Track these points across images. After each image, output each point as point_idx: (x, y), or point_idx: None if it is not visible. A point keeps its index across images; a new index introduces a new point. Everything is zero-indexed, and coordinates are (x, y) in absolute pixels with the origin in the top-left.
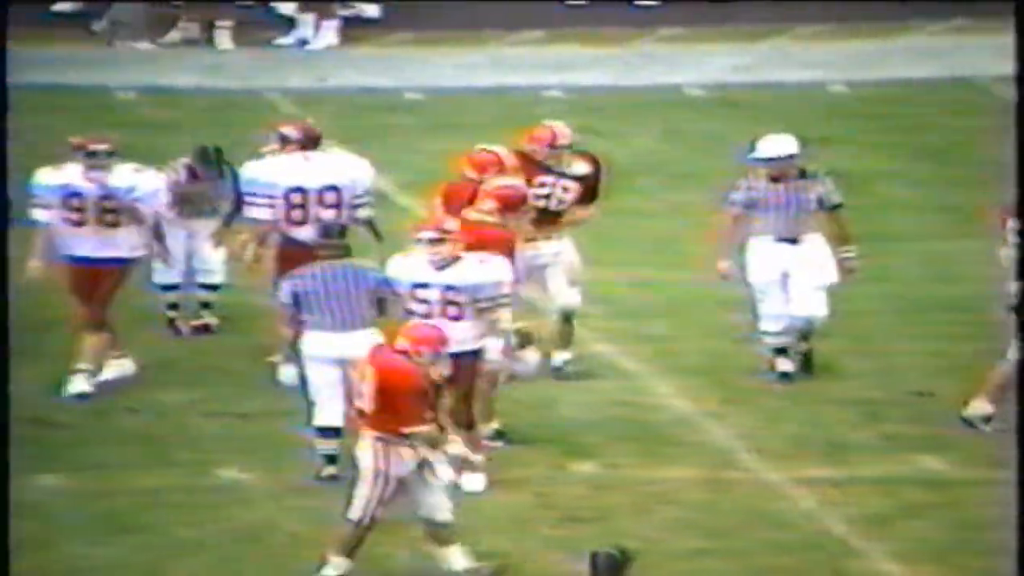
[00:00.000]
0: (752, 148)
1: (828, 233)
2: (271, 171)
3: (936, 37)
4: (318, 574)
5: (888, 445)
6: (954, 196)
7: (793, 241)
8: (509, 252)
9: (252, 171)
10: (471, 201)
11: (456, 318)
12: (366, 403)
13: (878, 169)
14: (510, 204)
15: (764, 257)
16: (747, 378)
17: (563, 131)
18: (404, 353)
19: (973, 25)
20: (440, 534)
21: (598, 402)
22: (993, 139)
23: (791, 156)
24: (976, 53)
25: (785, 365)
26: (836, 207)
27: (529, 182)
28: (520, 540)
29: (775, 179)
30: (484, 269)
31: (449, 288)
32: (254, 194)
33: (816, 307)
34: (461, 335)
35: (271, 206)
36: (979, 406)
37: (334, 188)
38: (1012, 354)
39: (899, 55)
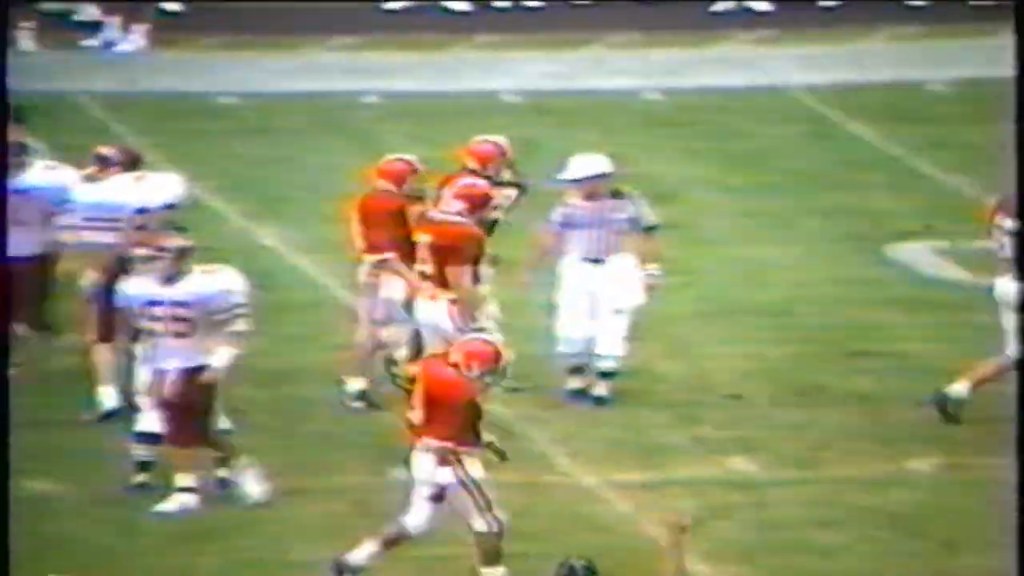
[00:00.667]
0: (564, 168)
1: (638, 253)
2: (112, 192)
3: (747, 46)
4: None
5: (699, 448)
6: (766, 202)
7: (600, 261)
8: (480, 250)
9: (91, 193)
10: (392, 211)
11: (183, 335)
12: (417, 415)
13: (692, 176)
14: (478, 203)
15: (571, 277)
16: (563, 383)
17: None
18: (455, 366)
19: (782, 35)
20: (491, 548)
21: None
22: (804, 147)
23: (600, 176)
24: (785, 62)
25: (575, 383)
26: (650, 228)
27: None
28: (337, 548)
29: (587, 198)
30: (212, 281)
31: (177, 304)
32: (98, 218)
33: (612, 346)
34: (188, 352)
35: (116, 229)
36: (960, 389)
37: (173, 207)
38: (1011, 351)
39: (712, 64)
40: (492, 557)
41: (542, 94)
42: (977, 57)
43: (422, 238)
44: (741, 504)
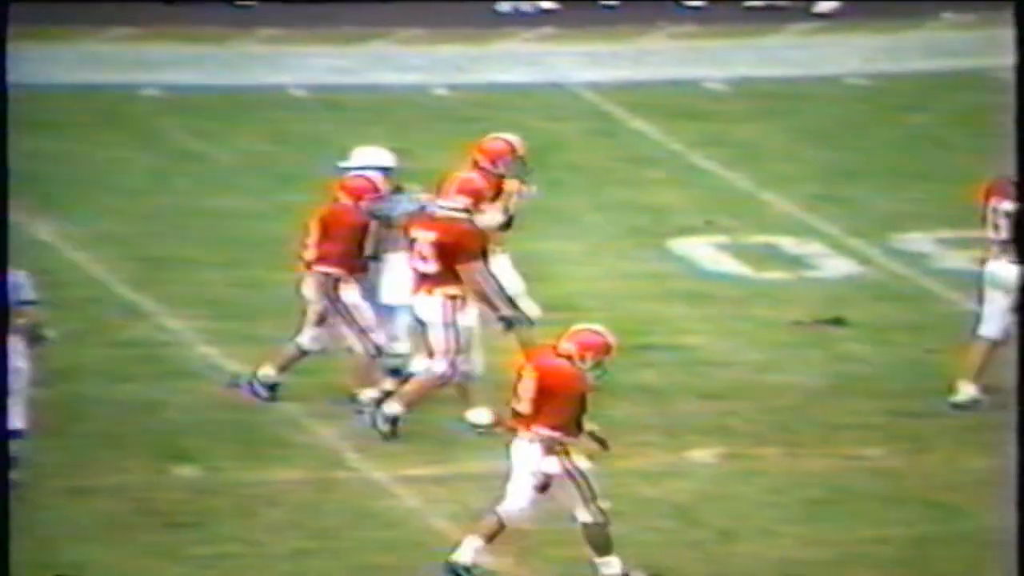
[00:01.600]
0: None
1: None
2: None
3: (531, 44)
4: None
5: (492, 440)
6: (550, 198)
7: (377, 259)
8: (484, 247)
9: None
10: (353, 226)
11: None
12: (524, 404)
13: None
14: (481, 196)
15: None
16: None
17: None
18: (568, 357)
19: (565, 33)
20: (600, 537)
21: (201, 404)
22: (587, 143)
23: (379, 168)
24: (568, 60)
25: (389, 384)
26: None
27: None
28: (117, 548)
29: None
30: None
31: None
32: None
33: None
34: None
35: None
36: (967, 390)
37: None
38: (985, 330)
39: (497, 60)
40: (604, 547)
41: (329, 88)
42: (751, 57)
43: (423, 235)
44: None
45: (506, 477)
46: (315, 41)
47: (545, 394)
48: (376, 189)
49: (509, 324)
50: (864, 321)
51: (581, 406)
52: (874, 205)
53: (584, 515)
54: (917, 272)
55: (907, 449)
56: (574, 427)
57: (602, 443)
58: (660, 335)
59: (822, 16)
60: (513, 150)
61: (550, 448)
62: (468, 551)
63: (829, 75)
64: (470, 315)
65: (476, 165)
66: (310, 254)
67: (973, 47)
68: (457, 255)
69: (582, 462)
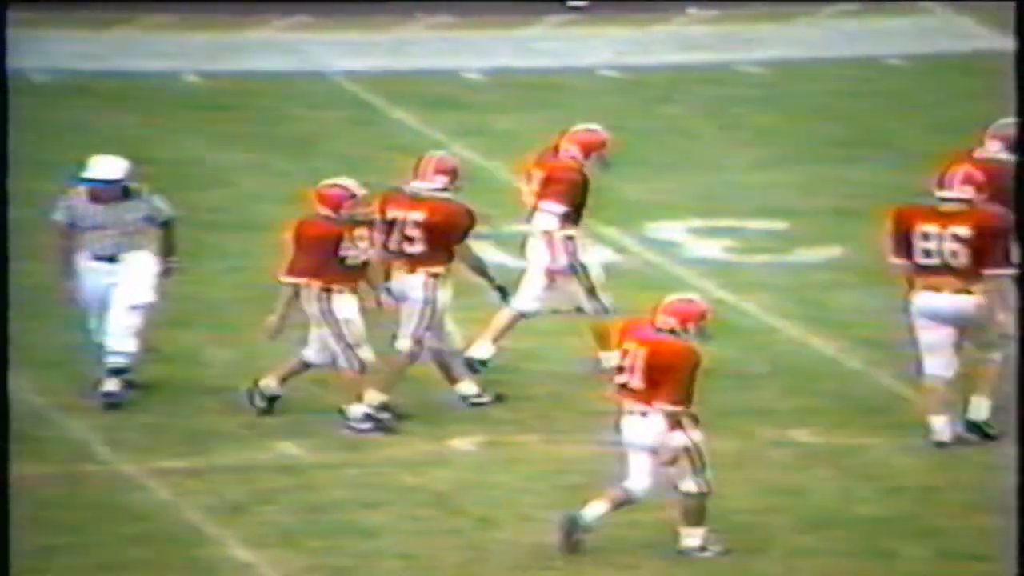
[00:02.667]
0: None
1: (157, 247)
2: None
3: (285, 32)
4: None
5: (247, 433)
6: (310, 187)
7: (112, 259)
8: (473, 224)
9: None
10: (328, 237)
11: None
12: (638, 380)
13: (237, 160)
14: (458, 175)
15: (85, 276)
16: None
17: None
18: (671, 331)
19: (321, 22)
20: (695, 508)
21: None
22: (348, 132)
23: (109, 182)
24: (326, 48)
25: (111, 385)
26: (166, 223)
27: None
28: None
29: (94, 198)
30: None
31: None
32: None
33: (121, 342)
34: None
35: None
36: (981, 408)
37: None
38: (931, 368)
39: (251, 48)
40: (698, 518)
41: (76, 74)
42: (509, 47)
43: (409, 215)
44: (287, 488)
45: (265, 469)
46: (63, 25)
47: (659, 369)
48: (353, 196)
49: (505, 294)
50: (620, 308)
51: (694, 377)
52: (629, 194)
53: (690, 485)
54: (670, 260)
55: None
56: (689, 399)
57: (695, 419)
58: None
59: (577, 8)
60: (603, 143)
61: (674, 422)
62: (594, 512)
63: (585, 66)
64: (446, 293)
65: (555, 151)
66: (285, 268)
67: (719, 42)
68: (449, 234)
69: (695, 433)
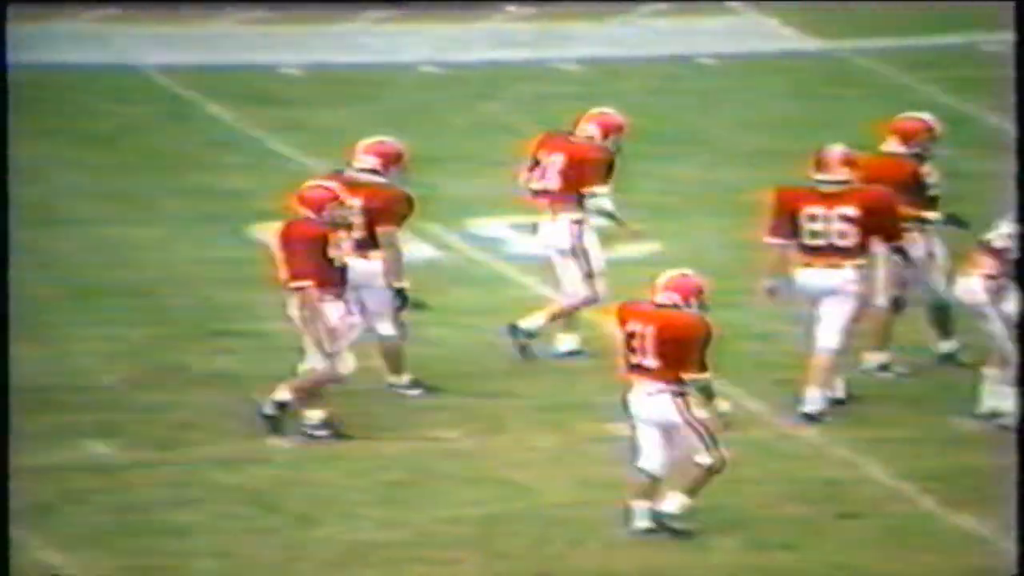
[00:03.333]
0: None
1: None
2: None
3: (93, 24)
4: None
5: (57, 433)
6: (126, 182)
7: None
8: (410, 210)
9: None
10: (314, 238)
11: None
12: (651, 358)
13: (46, 155)
14: (392, 159)
15: None
16: None
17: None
18: (673, 306)
19: (127, 15)
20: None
21: None
22: (162, 127)
23: None
24: (138, 42)
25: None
26: None
27: None
28: None
29: None
30: None
31: None
32: None
33: None
34: None
35: None
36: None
37: None
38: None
39: (56, 40)
40: (694, 487)
41: None
42: (327, 43)
43: (351, 201)
44: (98, 489)
45: (75, 469)
46: None
47: (673, 343)
48: (336, 198)
49: (405, 301)
50: (443, 305)
51: (707, 349)
52: (451, 191)
53: (705, 459)
54: (492, 257)
55: (481, 430)
56: (702, 370)
57: (708, 392)
58: (239, 321)
59: (395, 2)
60: (623, 127)
61: (678, 398)
62: (644, 517)
63: (405, 62)
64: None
65: (568, 135)
66: (283, 274)
67: (537, 39)
68: (382, 219)
69: (699, 411)
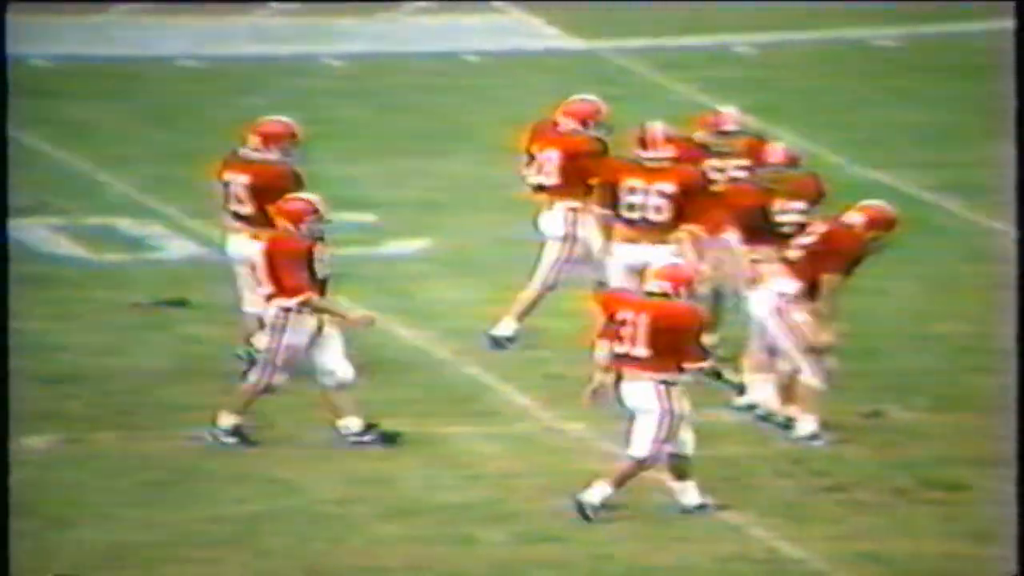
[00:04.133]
0: None
1: None
2: None
3: None
4: (582, 493)
5: None
6: None
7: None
8: (299, 188)
9: None
10: (301, 252)
11: None
12: (641, 348)
13: None
14: (271, 138)
15: None
16: None
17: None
18: (664, 295)
19: None
20: (683, 468)
21: None
22: None
23: None
24: None
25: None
26: None
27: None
28: None
29: None
30: None
31: None
32: None
33: None
34: None
35: None
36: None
37: None
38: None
39: None
40: (686, 473)
41: None
42: (78, 35)
43: (238, 178)
44: None
45: None
46: None
47: (665, 334)
48: (315, 210)
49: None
50: (206, 302)
51: (700, 337)
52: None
53: (642, 452)
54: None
55: (258, 425)
56: (699, 359)
57: (717, 374)
58: None
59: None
60: (598, 111)
61: (661, 386)
62: (597, 494)
63: (161, 56)
64: None
65: (555, 126)
66: (266, 289)
67: (301, 34)
68: (269, 198)
69: (682, 403)
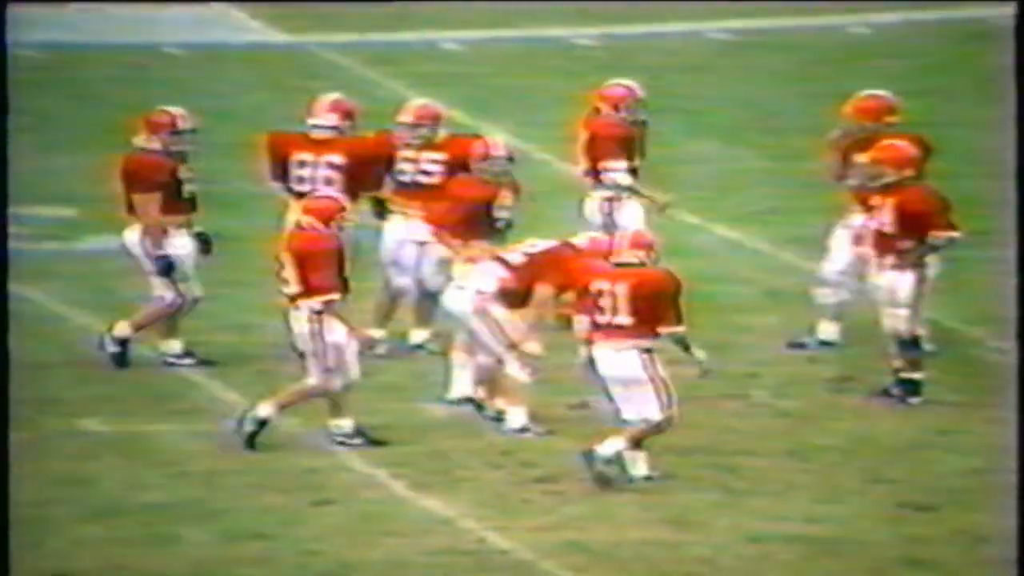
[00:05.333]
0: None
1: None
2: None
3: None
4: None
5: None
6: None
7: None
8: (173, 179)
9: None
10: (331, 251)
11: None
12: (623, 316)
13: None
14: (155, 129)
15: None
16: None
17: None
18: (641, 264)
19: None
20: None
21: None
22: None
23: None
24: None
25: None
26: None
27: None
28: None
29: None
30: None
31: None
32: None
33: None
34: None
35: None
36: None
37: None
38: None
39: None
40: (640, 442)
41: None
42: None
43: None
44: None
45: None
46: None
47: (646, 300)
48: (344, 208)
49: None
50: None
51: (678, 302)
52: None
53: (657, 415)
54: None
55: None
56: (676, 323)
57: (686, 346)
58: None
59: None
60: (635, 95)
61: (645, 354)
62: (611, 448)
63: None
64: None
65: (598, 112)
66: (292, 288)
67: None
68: (136, 187)
69: (661, 369)
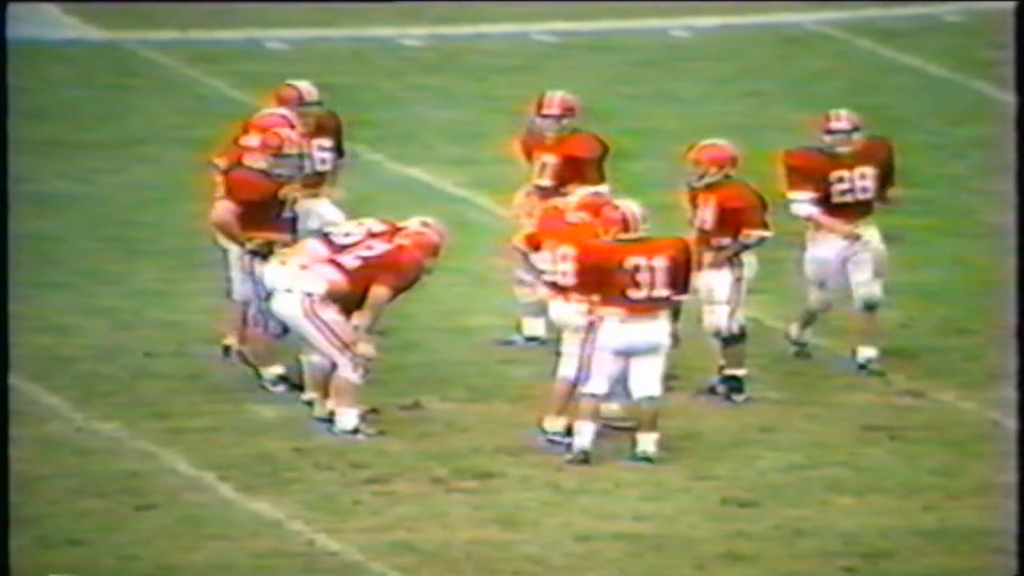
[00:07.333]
0: None
1: None
2: None
3: None
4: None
5: None
6: None
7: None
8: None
9: None
10: None
11: None
12: (662, 288)
13: None
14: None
15: None
16: None
17: None
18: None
19: None
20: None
21: None
22: None
23: None
24: None
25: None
26: None
27: None
28: None
29: None
30: None
31: None
32: None
33: None
34: None
35: None
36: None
37: None
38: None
39: None
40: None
41: None
42: None
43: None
44: None
45: None
46: None
47: (682, 270)
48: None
49: None
50: None
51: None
52: None
53: (658, 390)
54: None
55: None
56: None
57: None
58: None
59: None
60: (572, 108)
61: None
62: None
63: None
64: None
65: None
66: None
67: None
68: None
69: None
